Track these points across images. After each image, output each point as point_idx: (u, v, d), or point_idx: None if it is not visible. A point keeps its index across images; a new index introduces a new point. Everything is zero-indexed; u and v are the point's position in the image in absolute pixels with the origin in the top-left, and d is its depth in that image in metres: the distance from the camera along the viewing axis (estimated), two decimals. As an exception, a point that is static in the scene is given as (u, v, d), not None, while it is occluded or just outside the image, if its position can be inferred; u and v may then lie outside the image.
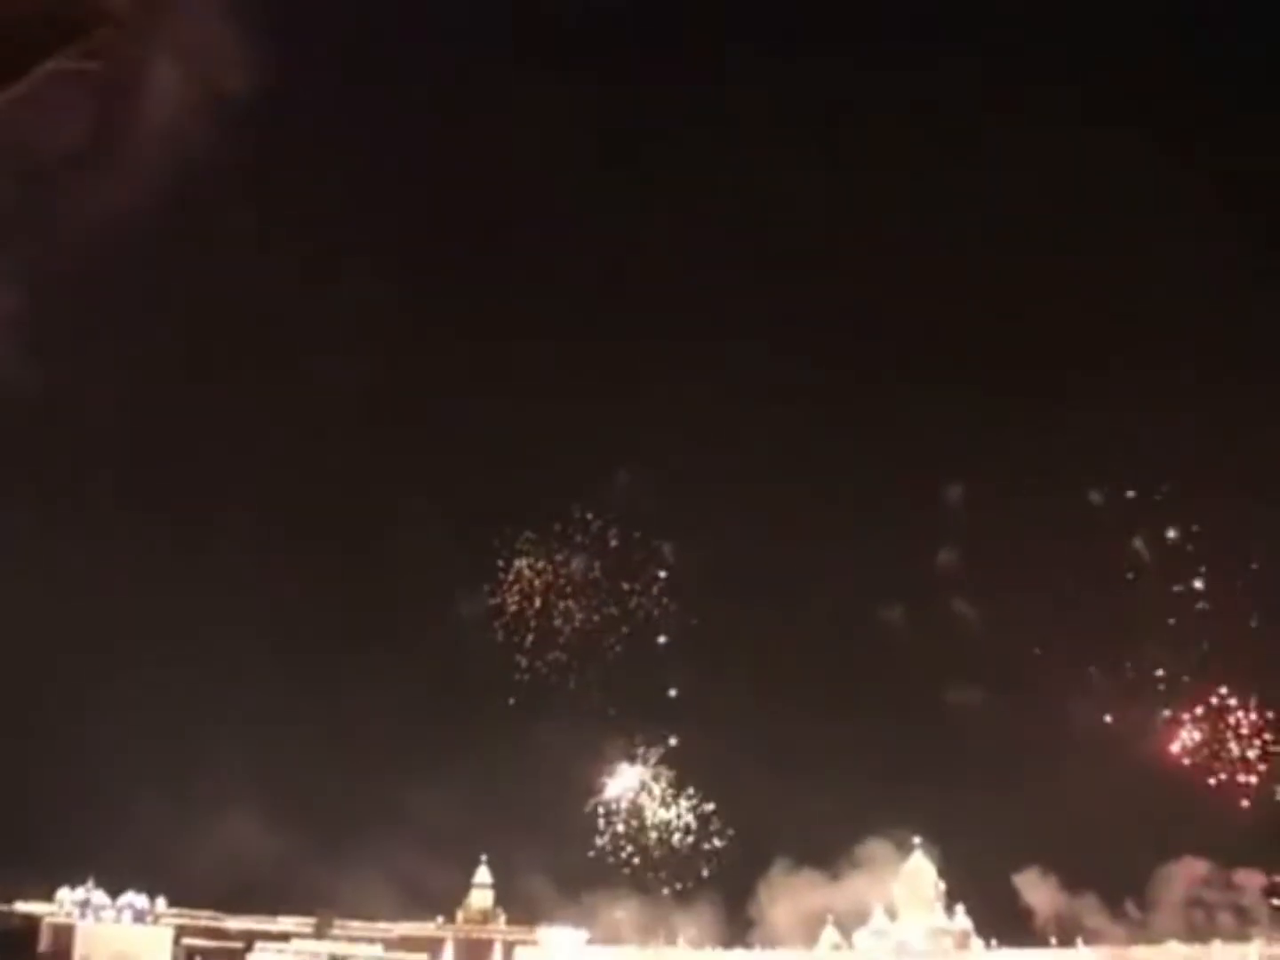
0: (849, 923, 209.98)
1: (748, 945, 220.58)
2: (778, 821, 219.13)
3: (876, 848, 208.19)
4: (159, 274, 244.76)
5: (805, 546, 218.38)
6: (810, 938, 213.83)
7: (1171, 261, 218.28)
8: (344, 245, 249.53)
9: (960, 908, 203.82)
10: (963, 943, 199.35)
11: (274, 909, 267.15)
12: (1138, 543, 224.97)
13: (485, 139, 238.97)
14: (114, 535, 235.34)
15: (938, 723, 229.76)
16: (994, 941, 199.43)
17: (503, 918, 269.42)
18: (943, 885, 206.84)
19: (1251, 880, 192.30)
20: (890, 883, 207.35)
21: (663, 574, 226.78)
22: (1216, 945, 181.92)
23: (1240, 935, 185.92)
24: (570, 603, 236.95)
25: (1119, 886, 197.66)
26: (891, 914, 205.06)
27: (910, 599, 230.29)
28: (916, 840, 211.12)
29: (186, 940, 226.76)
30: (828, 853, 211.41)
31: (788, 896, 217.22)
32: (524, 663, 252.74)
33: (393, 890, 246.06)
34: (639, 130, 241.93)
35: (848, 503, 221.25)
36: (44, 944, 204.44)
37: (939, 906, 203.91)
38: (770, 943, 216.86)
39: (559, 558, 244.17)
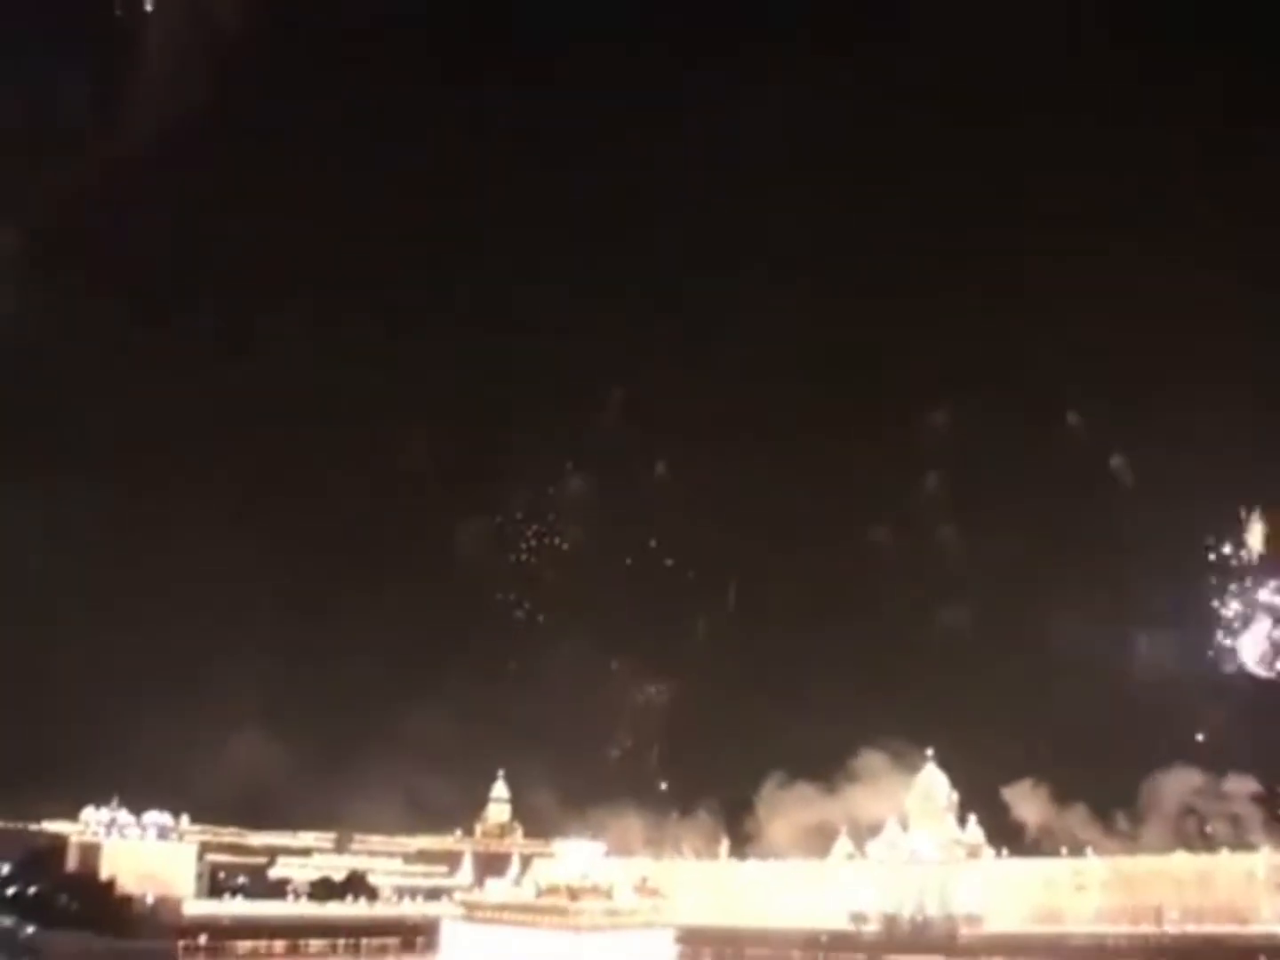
0: (863, 834, 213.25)
1: (752, 857, 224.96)
2: (774, 738, 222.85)
3: (872, 760, 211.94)
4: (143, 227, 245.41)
5: (796, 471, 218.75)
6: (811, 849, 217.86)
7: (1149, 180, 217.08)
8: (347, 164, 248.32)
9: (972, 818, 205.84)
10: (974, 853, 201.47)
11: (295, 825, 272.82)
12: (1115, 461, 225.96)
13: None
14: (119, 477, 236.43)
15: (927, 639, 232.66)
16: (1004, 851, 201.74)
17: (519, 831, 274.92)
18: (955, 797, 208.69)
19: (1242, 787, 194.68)
20: (886, 795, 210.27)
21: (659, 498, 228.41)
22: (1224, 855, 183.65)
23: (1235, 844, 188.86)
24: (571, 526, 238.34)
25: (1109, 798, 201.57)
26: (904, 825, 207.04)
27: (898, 521, 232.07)
28: (929, 752, 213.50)
29: (210, 856, 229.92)
30: (823, 766, 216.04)
31: (787, 809, 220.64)
32: (529, 585, 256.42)
33: (411, 806, 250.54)
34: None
35: (837, 428, 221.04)
36: (71, 862, 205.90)
37: (951, 818, 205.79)
38: (772, 854, 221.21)
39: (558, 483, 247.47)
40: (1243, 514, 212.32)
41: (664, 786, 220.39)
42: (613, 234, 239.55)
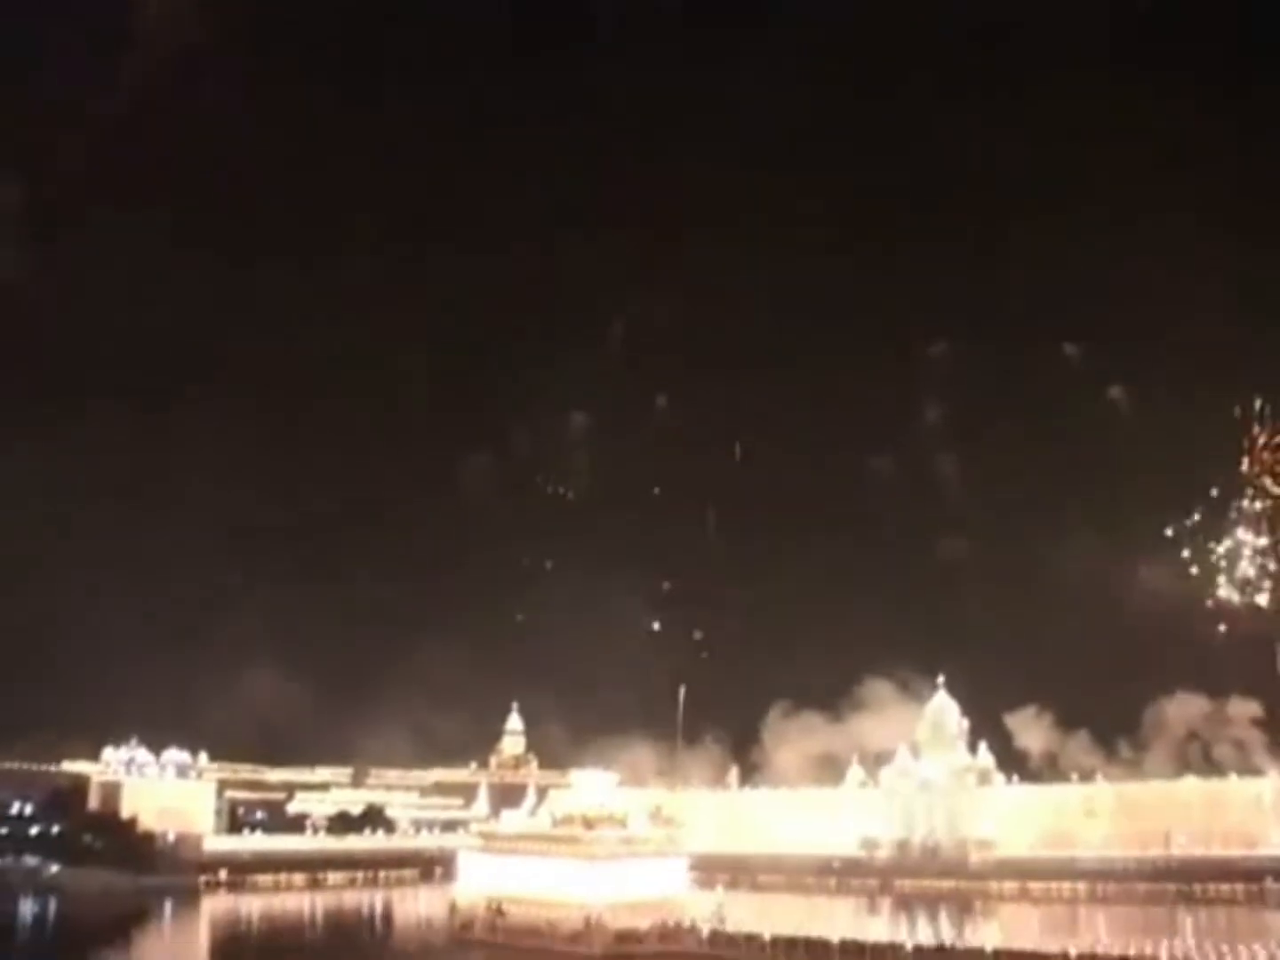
0: (871, 762, 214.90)
1: (760, 786, 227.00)
2: (779, 668, 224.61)
3: (877, 688, 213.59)
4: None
5: (797, 404, 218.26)
6: (818, 778, 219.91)
7: (1143, 127, 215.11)
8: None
9: (983, 745, 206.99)
10: (985, 779, 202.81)
11: (313, 761, 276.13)
12: (1114, 391, 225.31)
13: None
14: (128, 421, 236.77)
15: (929, 569, 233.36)
16: (1015, 777, 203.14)
17: (534, 763, 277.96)
18: (965, 724, 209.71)
19: (1245, 711, 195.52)
20: (893, 723, 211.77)
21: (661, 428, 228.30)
22: (1232, 779, 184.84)
23: (1239, 769, 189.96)
24: (574, 460, 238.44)
25: (1112, 725, 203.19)
26: (915, 752, 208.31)
27: (898, 452, 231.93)
28: (939, 680, 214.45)
29: (229, 793, 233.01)
30: (829, 695, 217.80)
31: (793, 738, 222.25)
32: (534, 521, 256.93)
33: (426, 740, 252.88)
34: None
35: (838, 360, 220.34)
36: (93, 802, 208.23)
37: (962, 745, 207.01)
38: (779, 783, 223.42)
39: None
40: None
41: (675, 717, 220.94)
42: (615, 167, 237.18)
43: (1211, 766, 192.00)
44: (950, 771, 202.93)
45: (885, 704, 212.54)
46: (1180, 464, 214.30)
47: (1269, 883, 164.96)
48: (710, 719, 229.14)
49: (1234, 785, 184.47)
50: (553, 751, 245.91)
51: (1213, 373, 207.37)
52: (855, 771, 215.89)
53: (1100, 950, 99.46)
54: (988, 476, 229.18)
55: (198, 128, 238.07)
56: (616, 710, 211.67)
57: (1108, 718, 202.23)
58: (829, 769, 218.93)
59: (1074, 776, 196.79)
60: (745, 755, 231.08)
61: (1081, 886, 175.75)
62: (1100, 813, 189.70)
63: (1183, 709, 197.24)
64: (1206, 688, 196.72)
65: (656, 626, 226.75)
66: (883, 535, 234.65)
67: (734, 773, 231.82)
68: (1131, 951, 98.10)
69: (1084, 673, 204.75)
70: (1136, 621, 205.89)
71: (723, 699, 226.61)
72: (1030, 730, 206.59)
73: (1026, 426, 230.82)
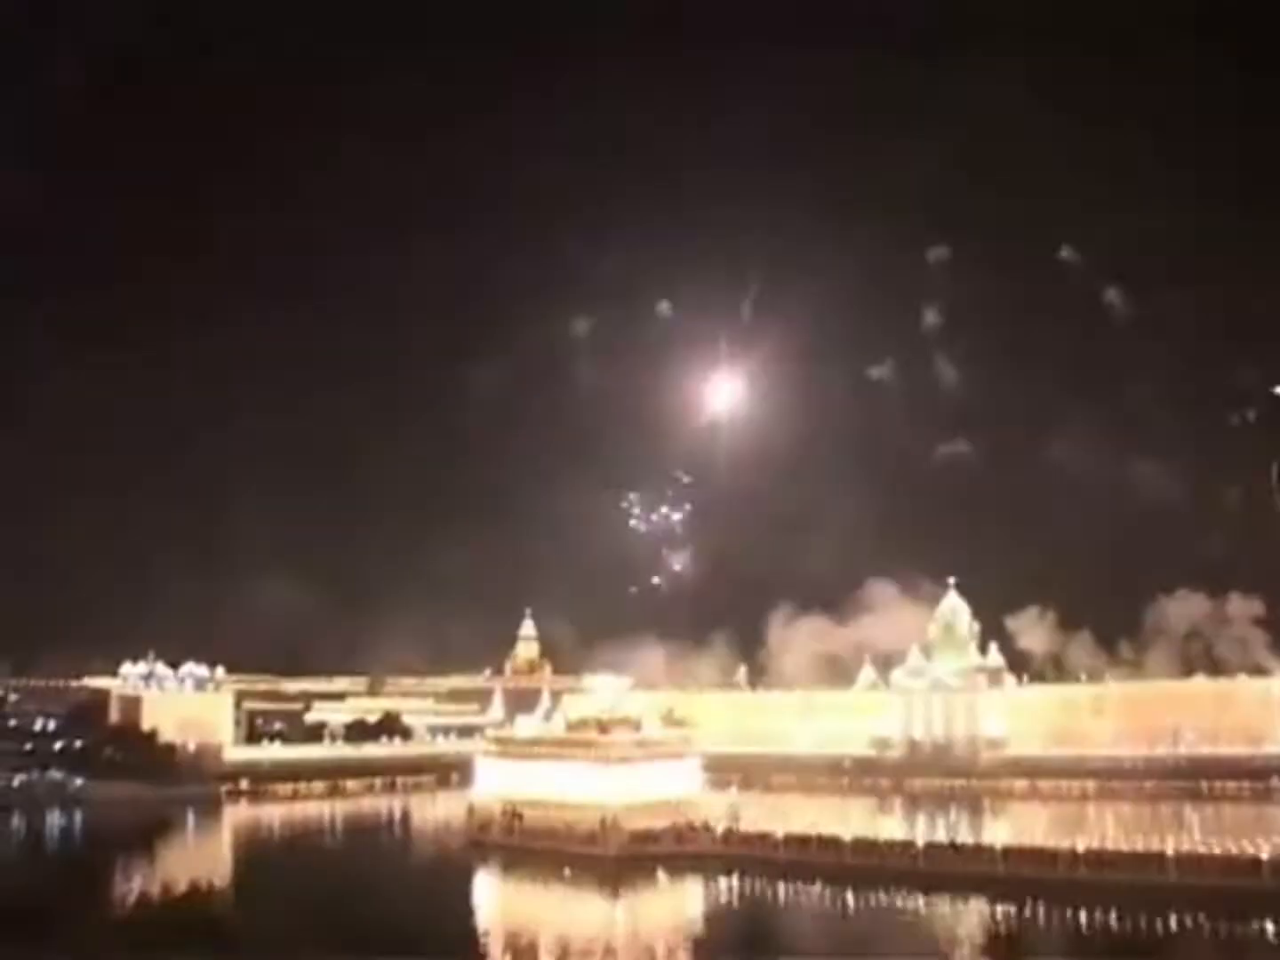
0: (874, 663, 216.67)
1: (765, 688, 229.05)
2: (784, 570, 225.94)
3: (881, 590, 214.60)
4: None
5: (796, 308, 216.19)
6: (823, 679, 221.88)
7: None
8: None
9: (994, 646, 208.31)
10: (996, 679, 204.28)
11: (329, 671, 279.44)
12: (1110, 294, 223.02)
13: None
14: (129, 338, 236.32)
15: (930, 471, 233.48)
16: (1025, 678, 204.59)
17: (548, 668, 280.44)
18: (977, 625, 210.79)
19: (1247, 609, 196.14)
20: (897, 624, 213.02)
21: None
22: (1240, 678, 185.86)
23: (1241, 667, 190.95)
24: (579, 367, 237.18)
25: (1113, 625, 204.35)
26: (927, 653, 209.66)
27: (899, 356, 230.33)
28: (951, 580, 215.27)
29: (248, 704, 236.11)
30: (833, 597, 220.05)
31: (798, 640, 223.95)
32: (541, 427, 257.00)
33: (441, 647, 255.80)
34: None
35: (837, 264, 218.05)
36: (114, 715, 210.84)
37: (973, 645, 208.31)
38: (783, 685, 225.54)
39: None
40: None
41: (682, 619, 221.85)
42: (610, 70, 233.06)
43: (1214, 665, 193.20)
44: (961, 672, 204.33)
45: (890, 606, 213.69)
46: (1180, 363, 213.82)
47: (1275, 780, 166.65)
48: (716, 622, 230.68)
49: (1242, 684, 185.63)
50: (566, 656, 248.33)
51: (1208, 272, 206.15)
52: (866, 672, 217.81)
53: (1108, 846, 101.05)
54: (988, 379, 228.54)
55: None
56: (626, 613, 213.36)
57: (1109, 618, 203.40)
58: (834, 671, 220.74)
59: (1082, 677, 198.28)
60: (751, 658, 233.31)
61: (1090, 784, 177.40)
62: (1109, 712, 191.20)
63: (1184, 607, 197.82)
64: (1208, 586, 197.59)
65: (643, 529, 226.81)
66: (883, 438, 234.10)
67: (742, 672, 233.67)
68: (1136, 848, 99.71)
69: (1085, 573, 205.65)
70: (1140, 520, 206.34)
71: (729, 601, 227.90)
72: (1032, 632, 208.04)
73: (1025, 329, 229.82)
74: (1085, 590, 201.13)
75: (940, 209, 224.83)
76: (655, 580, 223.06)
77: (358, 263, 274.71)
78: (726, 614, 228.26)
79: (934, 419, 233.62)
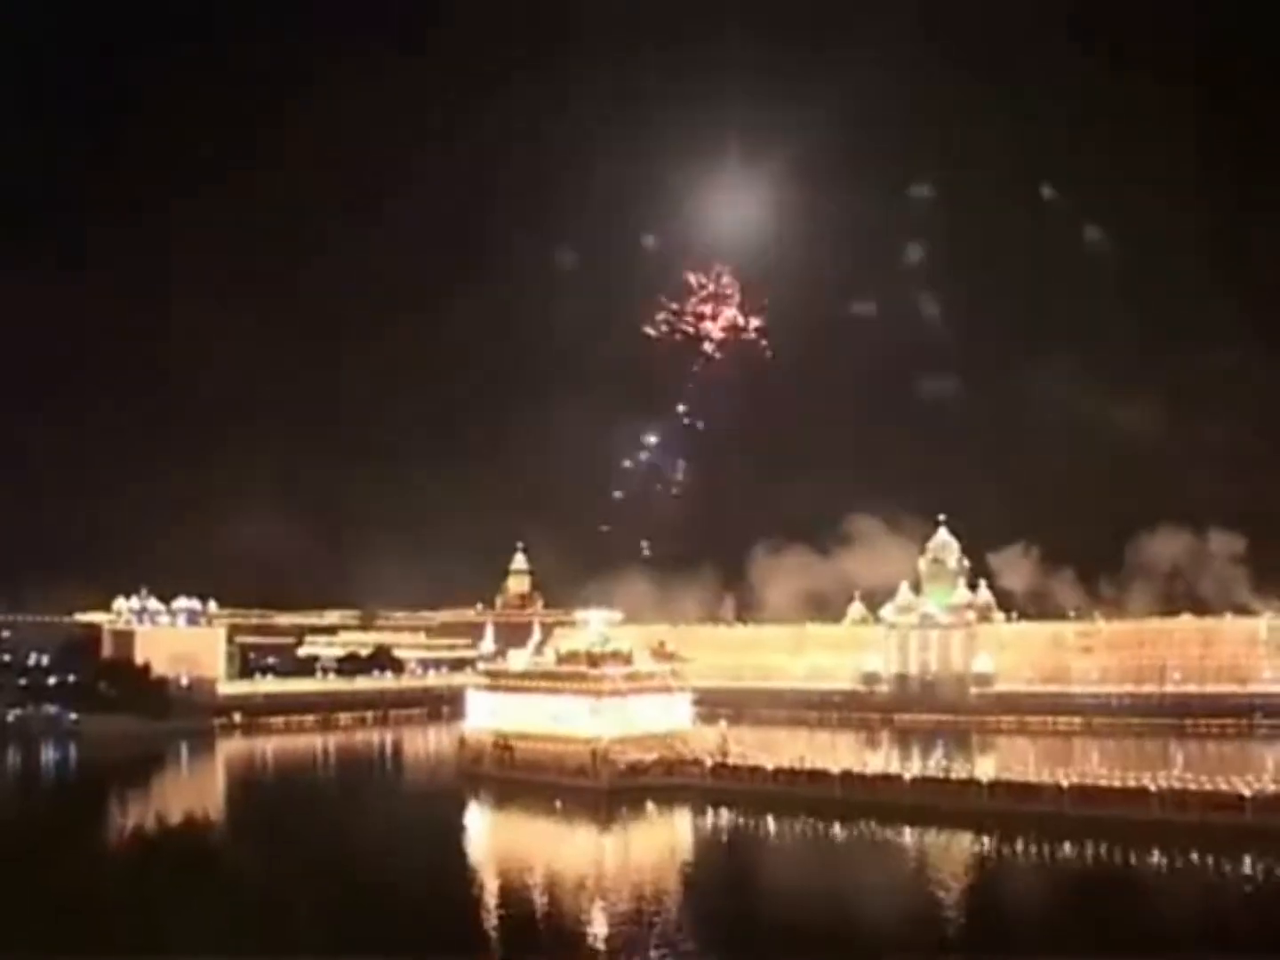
0: (874, 600, 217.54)
1: (751, 622, 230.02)
2: (766, 504, 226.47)
3: (864, 524, 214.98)
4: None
5: (780, 245, 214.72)
6: (805, 612, 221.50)
7: None
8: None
9: (983, 582, 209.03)
10: (985, 615, 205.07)
11: (321, 605, 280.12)
12: (1090, 232, 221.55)
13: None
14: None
15: (913, 408, 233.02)
16: (1014, 615, 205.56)
17: (540, 602, 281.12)
18: (966, 561, 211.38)
19: (1228, 546, 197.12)
20: (880, 559, 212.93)
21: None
22: (1227, 618, 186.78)
23: (1224, 606, 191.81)
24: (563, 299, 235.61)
25: (1095, 562, 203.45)
26: (916, 588, 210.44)
27: (883, 292, 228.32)
28: (941, 517, 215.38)
29: (240, 638, 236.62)
30: (815, 531, 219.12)
31: (782, 574, 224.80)
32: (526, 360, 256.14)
33: (433, 582, 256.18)
34: None
35: (818, 198, 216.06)
36: (107, 650, 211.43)
37: (962, 582, 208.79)
38: (767, 619, 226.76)
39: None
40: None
41: (669, 553, 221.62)
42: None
43: (1196, 603, 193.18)
44: (951, 608, 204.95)
45: (873, 541, 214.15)
46: (1157, 299, 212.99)
47: (1259, 718, 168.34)
48: (702, 555, 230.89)
49: (1228, 623, 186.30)
50: (557, 590, 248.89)
51: (1186, 213, 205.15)
52: (856, 607, 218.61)
53: (1093, 782, 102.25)
54: (970, 317, 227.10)
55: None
56: (614, 547, 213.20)
57: (1091, 555, 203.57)
58: (818, 606, 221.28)
59: (1070, 614, 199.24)
60: (736, 591, 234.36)
61: (1077, 720, 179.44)
62: (1097, 649, 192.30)
63: (1166, 545, 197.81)
64: (1190, 524, 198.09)
65: (627, 464, 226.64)
66: (866, 375, 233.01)
67: (729, 604, 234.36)
68: (1120, 783, 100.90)
69: (1068, 510, 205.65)
70: (1120, 458, 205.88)
71: (714, 535, 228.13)
72: (1015, 569, 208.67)
73: (1007, 267, 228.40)
74: (1069, 527, 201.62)
75: (924, 146, 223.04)
76: (643, 513, 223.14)
77: (336, 189, 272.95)
78: (711, 547, 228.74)
79: (917, 354, 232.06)
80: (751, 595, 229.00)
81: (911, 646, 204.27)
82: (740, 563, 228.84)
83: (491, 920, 75.16)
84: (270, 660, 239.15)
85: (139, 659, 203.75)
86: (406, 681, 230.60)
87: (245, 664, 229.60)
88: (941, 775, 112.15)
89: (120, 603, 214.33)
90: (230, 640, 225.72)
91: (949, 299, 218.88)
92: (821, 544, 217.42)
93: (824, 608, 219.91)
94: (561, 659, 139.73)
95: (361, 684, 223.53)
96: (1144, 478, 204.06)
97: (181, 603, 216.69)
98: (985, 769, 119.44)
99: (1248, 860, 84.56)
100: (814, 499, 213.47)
